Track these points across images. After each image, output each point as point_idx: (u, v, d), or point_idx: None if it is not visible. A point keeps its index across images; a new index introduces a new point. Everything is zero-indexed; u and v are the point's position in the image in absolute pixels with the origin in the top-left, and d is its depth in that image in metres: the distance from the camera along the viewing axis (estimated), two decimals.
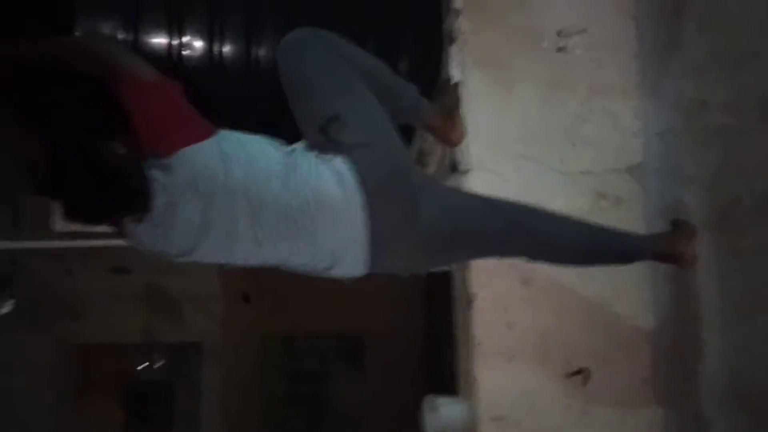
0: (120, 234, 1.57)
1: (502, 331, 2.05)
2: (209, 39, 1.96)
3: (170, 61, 1.94)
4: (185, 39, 1.94)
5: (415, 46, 2.01)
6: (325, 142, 1.56)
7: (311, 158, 1.57)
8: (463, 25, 2.07)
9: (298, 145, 1.61)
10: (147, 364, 5.52)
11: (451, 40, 2.06)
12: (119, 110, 1.52)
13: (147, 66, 1.57)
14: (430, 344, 5.18)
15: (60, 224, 2.20)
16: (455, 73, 2.05)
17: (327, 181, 1.53)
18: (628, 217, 2.12)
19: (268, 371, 5.26)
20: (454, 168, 2.03)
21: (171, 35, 1.93)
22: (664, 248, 1.86)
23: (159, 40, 1.94)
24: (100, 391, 5.26)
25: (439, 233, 1.62)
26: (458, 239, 1.67)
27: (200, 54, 1.98)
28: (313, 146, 1.59)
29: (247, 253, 1.56)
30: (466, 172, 2.03)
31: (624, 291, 2.11)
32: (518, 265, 2.05)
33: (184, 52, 1.96)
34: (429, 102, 1.88)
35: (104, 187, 1.50)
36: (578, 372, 2.06)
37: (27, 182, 1.94)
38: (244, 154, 1.53)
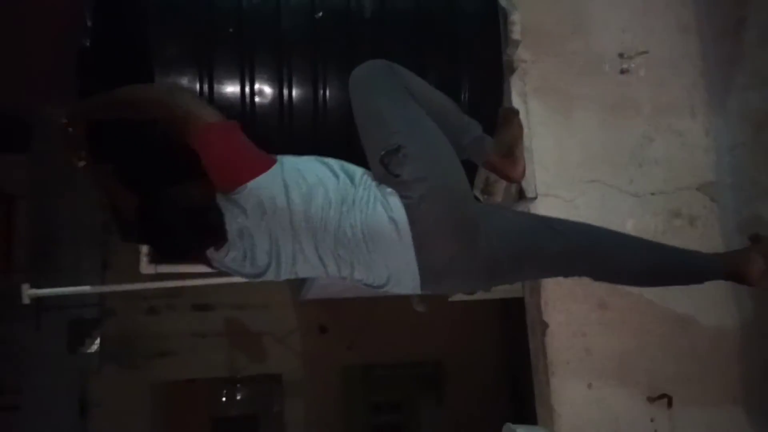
0: (206, 263, 1.74)
1: (581, 357, 2.03)
2: (278, 85, 2.05)
3: (243, 108, 2.03)
4: (256, 86, 2.03)
5: (476, 77, 2.03)
6: (385, 174, 1.65)
7: (370, 191, 1.67)
8: (522, 54, 2.10)
9: (362, 172, 1.71)
10: (231, 397, 5.63)
11: (511, 70, 2.09)
12: (188, 152, 1.67)
13: (208, 107, 1.71)
14: (510, 369, 5.13)
15: (147, 267, 2.32)
16: (516, 102, 2.07)
17: (380, 217, 1.63)
18: (705, 235, 2.09)
19: (350, 402, 5.28)
20: (521, 195, 2.05)
21: (243, 84, 2.02)
22: (735, 267, 1.83)
23: (232, 89, 2.04)
24: (188, 425, 5.39)
25: (499, 257, 1.69)
26: (519, 262, 1.73)
27: (271, 99, 2.07)
28: (376, 175, 1.69)
29: (314, 272, 1.73)
30: (533, 198, 2.05)
31: (706, 309, 2.07)
32: (593, 289, 2.05)
33: (256, 99, 2.05)
34: (491, 139, 1.93)
35: (185, 228, 1.66)
36: (662, 396, 2.02)
37: (114, 228, 2.07)
38: (304, 184, 1.65)
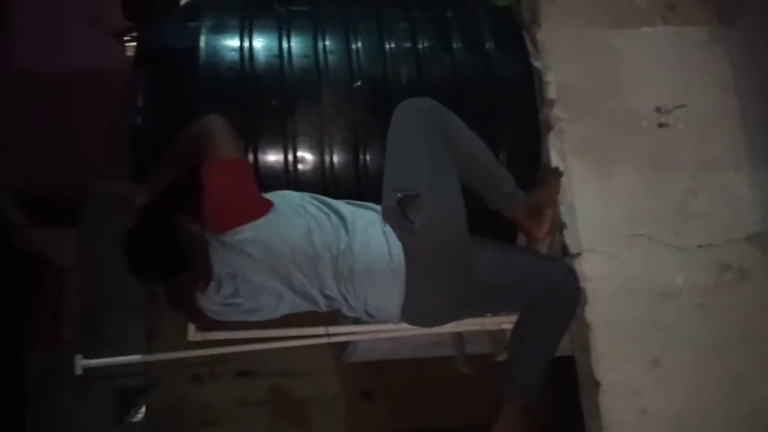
0: (198, 316, 1.84)
1: (636, 419, 1.96)
2: (320, 152, 2.09)
3: (287, 176, 2.07)
4: (299, 154, 2.08)
5: (513, 138, 2.05)
6: (397, 213, 1.73)
7: (372, 230, 1.75)
8: (559, 113, 2.12)
9: (357, 210, 1.79)
10: None
11: (548, 129, 2.10)
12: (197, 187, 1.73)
13: (231, 140, 1.76)
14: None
15: (194, 334, 2.33)
16: (555, 160, 2.08)
17: (379, 258, 1.72)
18: (757, 288, 2.03)
19: None
20: (565, 252, 2.03)
21: (286, 153, 2.07)
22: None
23: (276, 158, 2.09)
24: None
25: (479, 292, 1.80)
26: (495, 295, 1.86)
27: (313, 167, 2.11)
28: (385, 208, 1.79)
29: (307, 307, 1.81)
30: (577, 255, 2.03)
31: (764, 366, 1.99)
32: (645, 345, 2.00)
33: (299, 166, 2.10)
34: (523, 195, 1.95)
35: (173, 265, 1.72)
36: None
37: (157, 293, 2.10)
38: (298, 231, 1.72)
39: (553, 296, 1.85)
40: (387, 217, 1.77)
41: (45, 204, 4.35)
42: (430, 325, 1.92)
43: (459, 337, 2.87)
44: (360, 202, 1.86)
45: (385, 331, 2.29)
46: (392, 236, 1.74)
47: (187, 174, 1.79)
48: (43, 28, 4.02)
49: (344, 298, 1.77)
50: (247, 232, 1.70)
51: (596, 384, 1.97)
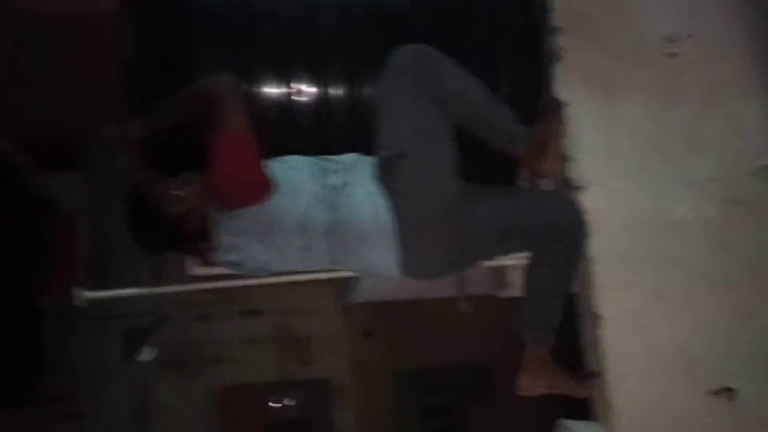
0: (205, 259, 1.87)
1: (638, 351, 1.92)
2: (315, 82, 2.00)
3: (281, 107, 1.99)
4: (293, 86, 1.99)
5: (516, 67, 1.96)
6: (384, 172, 1.72)
7: (362, 194, 1.74)
8: (563, 42, 2.01)
9: (361, 171, 1.77)
10: (284, 402, 5.61)
11: (553, 59, 2.00)
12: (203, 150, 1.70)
13: (242, 114, 1.71)
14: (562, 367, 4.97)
15: (197, 269, 2.29)
16: (561, 91, 1.98)
17: (368, 222, 1.72)
18: (764, 221, 1.96)
19: (400, 406, 5.21)
20: (568, 185, 1.95)
21: (279, 83, 1.98)
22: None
23: (270, 89, 2.00)
24: (243, 430, 5.40)
25: (479, 240, 1.79)
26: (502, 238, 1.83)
27: (308, 98, 2.02)
28: (376, 165, 1.76)
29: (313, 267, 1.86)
30: (580, 188, 1.95)
31: None
32: (647, 279, 1.94)
33: (293, 98, 2.01)
34: (525, 130, 1.86)
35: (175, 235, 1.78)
36: (725, 389, 1.90)
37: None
38: (297, 213, 1.72)
39: (556, 231, 1.80)
40: (377, 175, 1.77)
41: (51, 148, 4.28)
42: (434, 278, 1.89)
43: (461, 277, 2.83)
44: (356, 157, 1.85)
45: None
46: (381, 198, 1.73)
47: (192, 130, 1.75)
48: None
49: (343, 264, 1.85)
50: (251, 212, 1.73)
51: (595, 317, 1.91)
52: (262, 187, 1.73)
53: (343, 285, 3.76)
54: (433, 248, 1.76)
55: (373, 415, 5.12)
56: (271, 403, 5.46)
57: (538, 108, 1.93)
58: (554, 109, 1.91)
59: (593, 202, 1.94)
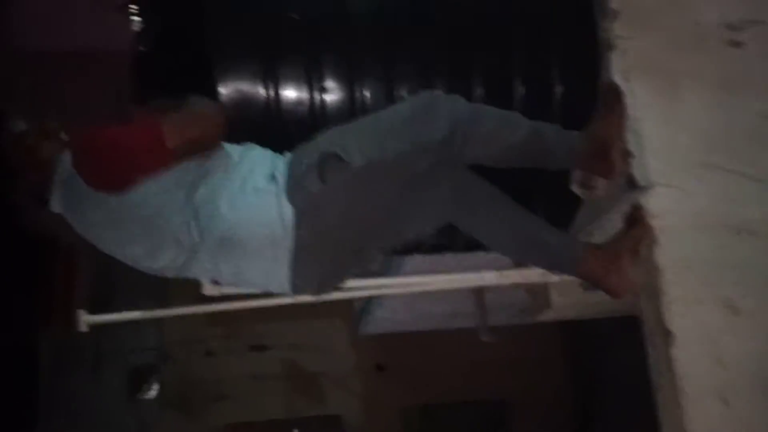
0: None
1: (712, 369, 1.63)
2: (348, 78, 1.76)
3: (312, 106, 1.75)
4: (324, 80, 1.75)
5: (569, 55, 1.73)
6: (314, 165, 1.46)
7: (268, 197, 1.47)
8: (618, 30, 1.78)
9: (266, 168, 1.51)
10: None
11: (609, 47, 1.77)
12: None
13: (184, 131, 1.46)
14: (579, 403, 4.65)
15: (208, 289, 2.02)
16: (617, 82, 1.74)
17: (261, 230, 1.46)
18: None
19: None
20: (631, 185, 1.69)
21: (309, 77, 1.74)
22: (594, 272, 1.58)
23: (298, 85, 1.76)
24: None
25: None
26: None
27: (340, 95, 1.78)
28: (299, 160, 1.50)
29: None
30: (645, 188, 1.69)
31: None
32: (718, 288, 1.68)
33: (324, 95, 1.77)
34: (578, 135, 1.62)
35: None
36: None
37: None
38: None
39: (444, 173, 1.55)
40: (293, 173, 1.49)
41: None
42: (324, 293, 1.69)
43: (481, 306, 2.57)
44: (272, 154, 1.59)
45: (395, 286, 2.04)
46: (286, 205, 1.47)
47: None
48: (47, 6, 3.70)
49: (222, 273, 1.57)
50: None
51: (668, 334, 1.63)
52: (118, 183, 1.44)
53: (355, 316, 3.49)
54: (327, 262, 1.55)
55: None
56: None
57: (596, 100, 1.68)
58: (615, 99, 1.66)
59: (658, 205, 1.68)
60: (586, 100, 1.69)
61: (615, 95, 1.68)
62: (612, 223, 1.79)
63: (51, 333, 4.21)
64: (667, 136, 1.74)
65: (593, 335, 4.17)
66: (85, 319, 1.93)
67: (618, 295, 1.60)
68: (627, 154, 1.68)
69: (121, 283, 4.33)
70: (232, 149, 1.55)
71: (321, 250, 1.51)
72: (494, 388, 4.70)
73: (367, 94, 1.79)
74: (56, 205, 1.51)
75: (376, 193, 1.50)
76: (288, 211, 1.45)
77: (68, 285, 4.31)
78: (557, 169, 1.67)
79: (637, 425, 3.31)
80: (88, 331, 1.96)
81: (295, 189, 1.46)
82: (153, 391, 4.75)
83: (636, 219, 1.65)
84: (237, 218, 1.45)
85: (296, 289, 1.54)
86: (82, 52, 3.70)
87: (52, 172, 1.49)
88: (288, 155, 1.55)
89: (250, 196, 1.46)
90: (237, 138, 1.66)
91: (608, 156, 1.61)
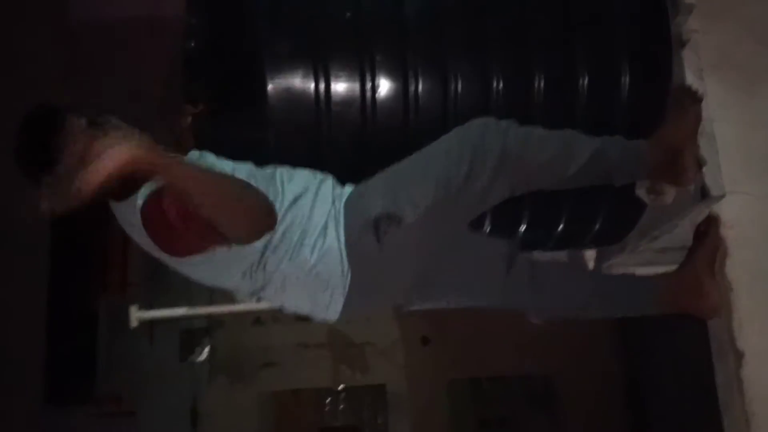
0: None
1: None
2: (403, 76, 1.66)
3: (363, 105, 1.66)
4: (377, 79, 1.65)
5: (638, 51, 1.59)
6: (366, 228, 1.42)
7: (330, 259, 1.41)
8: (691, 24, 1.63)
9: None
10: (336, 408, 5.35)
11: (682, 43, 1.62)
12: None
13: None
14: (628, 382, 4.56)
15: None
16: (691, 82, 1.60)
17: (328, 272, 1.42)
18: None
19: (455, 416, 4.86)
20: (704, 194, 1.57)
21: (363, 77, 1.65)
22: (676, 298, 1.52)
23: (349, 84, 1.67)
24: None
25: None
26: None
27: (394, 93, 1.68)
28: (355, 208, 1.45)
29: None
30: (720, 197, 1.57)
31: None
32: None
33: (377, 94, 1.68)
34: (646, 144, 1.51)
35: None
36: None
37: None
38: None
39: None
40: (349, 232, 1.44)
41: None
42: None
43: None
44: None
45: None
46: (344, 258, 1.42)
47: None
48: None
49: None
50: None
51: (739, 354, 1.53)
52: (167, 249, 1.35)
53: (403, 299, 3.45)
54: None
55: (429, 424, 4.81)
56: (324, 409, 5.21)
57: (667, 102, 1.56)
58: (689, 102, 1.53)
59: (733, 214, 1.57)
60: (655, 100, 1.56)
61: (690, 97, 1.55)
62: (681, 228, 1.68)
63: (108, 300, 4.36)
64: (744, 139, 1.61)
65: (644, 325, 4.05)
66: (137, 315, 1.92)
67: (708, 317, 1.56)
68: (700, 161, 1.56)
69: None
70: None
71: (375, 294, 1.49)
72: (542, 364, 4.65)
73: (421, 92, 1.69)
74: (119, 211, 1.41)
75: (432, 241, 1.47)
76: (346, 262, 1.41)
77: (123, 259, 4.44)
78: (624, 183, 1.56)
79: (689, 400, 3.25)
80: (137, 326, 1.96)
81: (352, 249, 1.41)
82: (204, 355, 4.85)
83: (708, 232, 1.54)
84: (297, 272, 1.42)
85: (341, 318, 1.51)
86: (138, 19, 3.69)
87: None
88: (340, 194, 1.49)
89: (309, 255, 1.41)
90: (288, 140, 1.59)
91: (680, 163, 1.49)
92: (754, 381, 1.52)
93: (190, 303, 2.64)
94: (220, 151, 1.64)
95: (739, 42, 1.66)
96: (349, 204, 1.46)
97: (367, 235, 1.41)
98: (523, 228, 1.76)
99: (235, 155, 1.64)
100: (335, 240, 1.41)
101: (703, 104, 1.59)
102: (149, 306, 2.06)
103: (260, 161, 1.58)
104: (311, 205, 1.44)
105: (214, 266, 1.41)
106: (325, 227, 1.42)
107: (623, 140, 1.51)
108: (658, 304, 1.56)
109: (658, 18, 1.59)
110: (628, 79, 1.60)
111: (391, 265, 1.46)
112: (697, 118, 1.54)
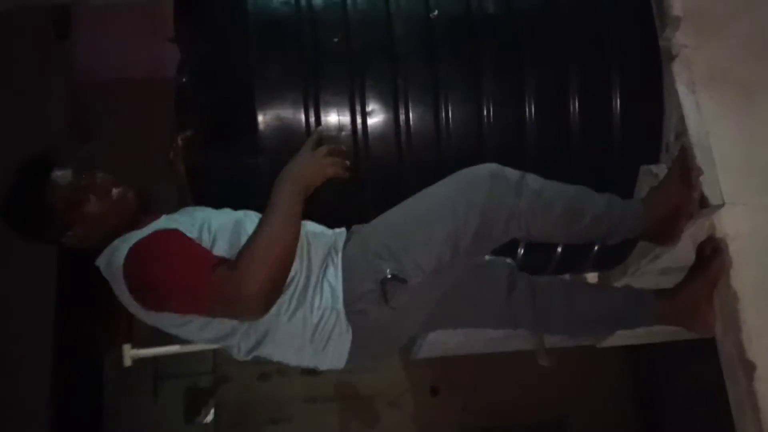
0: None
1: None
2: (393, 101, 1.65)
3: (354, 132, 1.65)
4: (368, 106, 1.65)
5: (627, 66, 1.59)
6: (373, 289, 1.38)
7: (330, 318, 1.39)
8: (682, 39, 1.63)
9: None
10: None
11: (671, 57, 1.61)
12: None
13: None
14: (643, 423, 4.40)
15: None
16: (684, 94, 1.59)
17: (327, 331, 1.40)
18: None
19: None
20: (703, 204, 1.53)
21: (353, 103, 1.64)
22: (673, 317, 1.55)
23: (340, 110, 1.66)
24: None
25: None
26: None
27: (385, 120, 1.67)
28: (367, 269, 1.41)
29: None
30: (719, 206, 1.53)
31: None
32: None
33: (368, 120, 1.67)
34: (640, 203, 1.53)
35: None
36: None
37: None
38: None
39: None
40: (349, 295, 1.41)
41: None
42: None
43: None
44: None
45: None
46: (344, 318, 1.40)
47: None
48: (105, 41, 3.89)
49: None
50: None
51: (750, 367, 1.46)
52: (150, 302, 1.42)
53: (408, 340, 3.37)
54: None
55: None
56: None
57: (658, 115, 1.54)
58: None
59: (734, 226, 1.53)
60: (646, 114, 1.55)
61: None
62: (682, 245, 1.63)
63: (114, 356, 4.30)
64: (740, 152, 1.58)
65: (656, 349, 3.95)
66: (131, 353, 1.87)
67: (706, 335, 1.54)
68: (698, 171, 1.53)
69: None
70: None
71: (378, 346, 1.49)
72: (553, 408, 4.50)
73: (412, 117, 1.68)
74: (102, 264, 1.43)
75: (440, 290, 1.47)
76: (344, 321, 1.40)
77: (129, 314, 4.39)
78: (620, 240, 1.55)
79: (702, 419, 3.14)
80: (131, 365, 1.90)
81: (354, 313, 1.39)
82: (210, 416, 4.76)
83: (713, 258, 1.52)
84: (295, 329, 1.40)
85: (346, 368, 1.48)
86: (135, 81, 3.76)
87: (98, 227, 1.41)
88: (337, 243, 1.46)
89: (309, 316, 1.39)
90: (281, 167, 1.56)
91: (672, 233, 1.51)
92: (764, 395, 1.44)
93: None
94: (212, 178, 1.63)
95: (733, 56, 1.64)
96: (348, 263, 1.42)
97: (371, 301, 1.38)
98: (521, 251, 1.72)
99: (227, 183, 1.63)
100: (336, 300, 1.39)
101: (698, 118, 1.57)
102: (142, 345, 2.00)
103: (252, 188, 1.56)
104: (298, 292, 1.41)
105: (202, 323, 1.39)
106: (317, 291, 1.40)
107: (622, 202, 1.51)
108: (654, 321, 1.56)
109: (646, 32, 1.60)
110: (619, 97, 1.60)
111: (398, 321, 1.45)
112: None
